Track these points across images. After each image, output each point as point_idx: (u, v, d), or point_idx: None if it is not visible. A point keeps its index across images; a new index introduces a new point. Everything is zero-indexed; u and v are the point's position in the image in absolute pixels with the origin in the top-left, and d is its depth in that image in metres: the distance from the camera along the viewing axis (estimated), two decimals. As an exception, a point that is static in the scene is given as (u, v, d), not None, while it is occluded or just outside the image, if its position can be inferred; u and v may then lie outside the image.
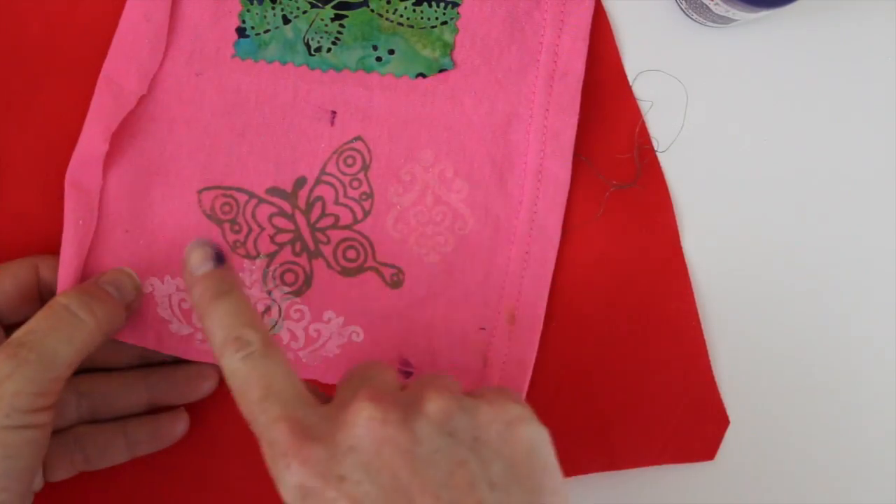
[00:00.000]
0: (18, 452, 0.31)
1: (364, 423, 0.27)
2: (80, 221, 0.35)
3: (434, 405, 0.28)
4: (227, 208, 0.37)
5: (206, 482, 0.38)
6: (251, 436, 0.38)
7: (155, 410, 0.37)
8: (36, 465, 0.32)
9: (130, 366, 0.38)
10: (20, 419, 0.30)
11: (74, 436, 0.36)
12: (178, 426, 0.37)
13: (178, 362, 0.38)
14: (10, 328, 0.35)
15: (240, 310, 0.31)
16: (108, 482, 0.38)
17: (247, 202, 0.37)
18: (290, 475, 0.27)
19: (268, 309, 0.37)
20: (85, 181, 0.36)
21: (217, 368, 0.37)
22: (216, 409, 0.38)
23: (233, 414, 0.38)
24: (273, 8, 0.37)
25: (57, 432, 0.35)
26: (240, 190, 0.37)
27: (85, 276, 0.36)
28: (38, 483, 0.35)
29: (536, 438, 0.28)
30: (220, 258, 0.33)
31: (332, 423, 0.28)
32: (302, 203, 0.37)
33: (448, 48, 0.38)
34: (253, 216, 0.37)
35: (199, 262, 0.32)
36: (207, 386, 0.37)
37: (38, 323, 0.32)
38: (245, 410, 0.29)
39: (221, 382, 0.38)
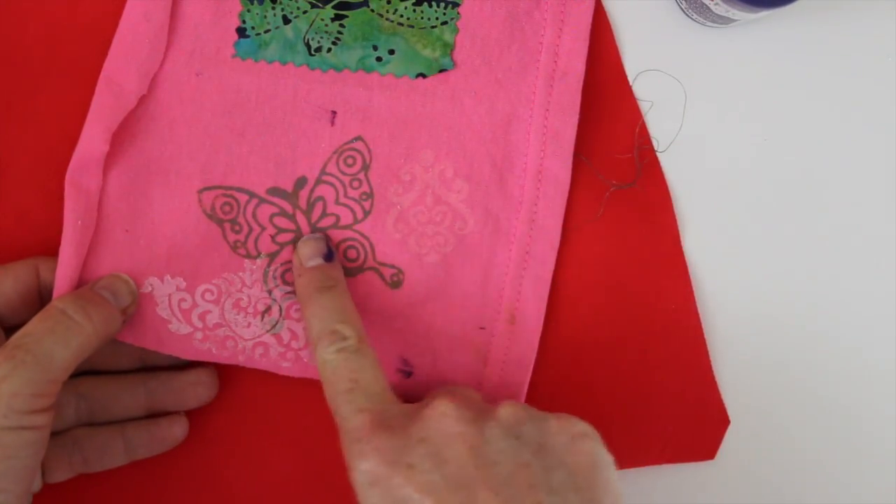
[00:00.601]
0: (17, 453, 0.31)
1: (438, 417, 0.29)
2: (80, 221, 0.35)
3: (505, 411, 0.30)
4: (227, 208, 0.37)
5: (205, 486, 0.38)
6: (250, 441, 0.38)
7: (154, 415, 0.37)
8: (35, 467, 0.32)
9: (130, 369, 0.38)
10: (18, 420, 0.30)
11: (73, 438, 0.36)
12: (177, 431, 0.37)
13: (177, 368, 0.38)
14: (9, 330, 0.35)
15: (340, 305, 0.33)
16: (107, 484, 0.38)
17: (247, 202, 0.37)
18: (362, 461, 0.29)
19: (268, 308, 0.37)
20: (85, 181, 0.36)
21: (216, 376, 0.38)
22: (216, 413, 0.38)
23: (232, 418, 0.38)
24: (273, 8, 0.37)
25: (56, 434, 0.35)
26: (240, 190, 0.37)
27: (84, 276, 0.36)
28: (36, 484, 0.35)
29: (600, 456, 0.30)
30: (329, 255, 0.35)
31: (409, 418, 0.30)
32: (303, 203, 0.37)
33: (448, 48, 0.38)
34: (254, 216, 0.37)
35: (308, 255, 0.35)
36: (206, 394, 0.37)
37: (34, 326, 0.32)
38: (330, 399, 0.31)
39: (220, 390, 0.38)
